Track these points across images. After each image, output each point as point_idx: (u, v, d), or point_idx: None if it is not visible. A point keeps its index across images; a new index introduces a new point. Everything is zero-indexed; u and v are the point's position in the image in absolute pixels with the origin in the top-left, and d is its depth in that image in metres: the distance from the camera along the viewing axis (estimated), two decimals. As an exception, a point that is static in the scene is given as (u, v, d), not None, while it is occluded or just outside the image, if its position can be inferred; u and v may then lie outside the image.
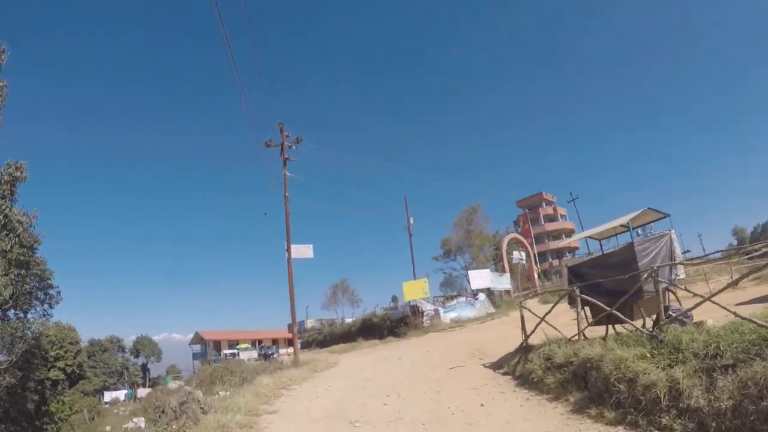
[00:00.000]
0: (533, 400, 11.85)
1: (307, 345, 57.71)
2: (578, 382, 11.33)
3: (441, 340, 29.05)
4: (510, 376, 15.14)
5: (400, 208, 58.23)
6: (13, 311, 34.43)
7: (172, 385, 69.40)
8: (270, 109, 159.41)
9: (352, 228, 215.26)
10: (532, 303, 45.46)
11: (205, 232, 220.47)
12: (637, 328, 12.47)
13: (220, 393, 19.18)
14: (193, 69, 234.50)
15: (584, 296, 14.24)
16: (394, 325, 42.33)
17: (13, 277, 30.16)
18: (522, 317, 17.79)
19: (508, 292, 49.28)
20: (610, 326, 15.05)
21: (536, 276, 56.33)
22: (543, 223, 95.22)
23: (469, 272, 46.06)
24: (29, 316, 35.40)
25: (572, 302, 15.72)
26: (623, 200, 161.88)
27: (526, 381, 13.65)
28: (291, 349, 66.72)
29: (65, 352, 79.02)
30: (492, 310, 42.49)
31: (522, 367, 14.81)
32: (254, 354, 63.65)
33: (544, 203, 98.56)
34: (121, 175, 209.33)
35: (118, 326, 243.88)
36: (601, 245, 19.71)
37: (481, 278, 45.61)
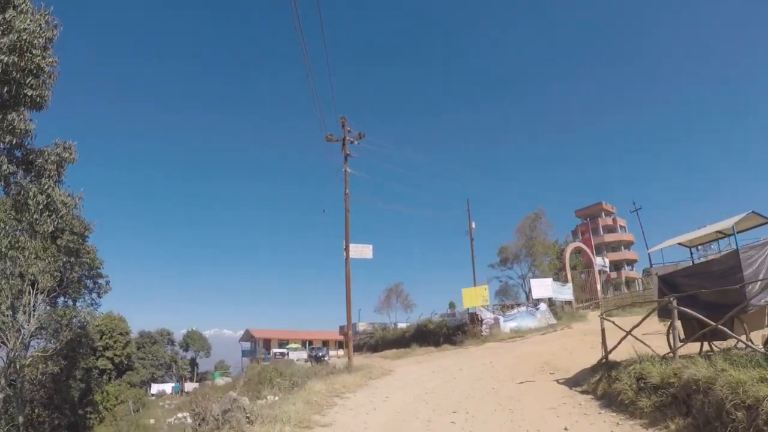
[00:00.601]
0: (625, 425, 10.22)
1: (358, 348, 56.25)
2: (679, 406, 9.65)
3: (502, 351, 27.39)
4: (590, 396, 13.45)
5: (461, 210, 56.19)
6: (62, 299, 34.13)
7: (220, 381, 69.48)
8: (333, 100, 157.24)
9: (409, 229, 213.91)
10: (594, 315, 43.95)
11: (260, 226, 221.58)
12: (750, 346, 10.80)
13: (268, 398, 17.96)
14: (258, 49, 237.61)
15: (683, 308, 12.48)
16: (450, 332, 40.89)
17: (61, 264, 29.71)
18: (603, 330, 16.05)
19: (569, 303, 47.16)
20: (705, 343, 13.44)
21: (599, 287, 53.92)
22: (602, 233, 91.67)
23: (531, 281, 44.19)
24: (78, 304, 34.87)
25: (664, 315, 14.08)
26: (690, 210, 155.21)
27: (612, 402, 12.00)
28: (341, 352, 66.39)
29: (114, 342, 79.78)
30: (553, 321, 40.59)
31: (606, 386, 13.17)
32: (304, 354, 62.80)
33: (603, 213, 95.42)
34: (178, 161, 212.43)
35: (170, 320, 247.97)
36: (691, 254, 17.89)
37: (543, 287, 43.72)
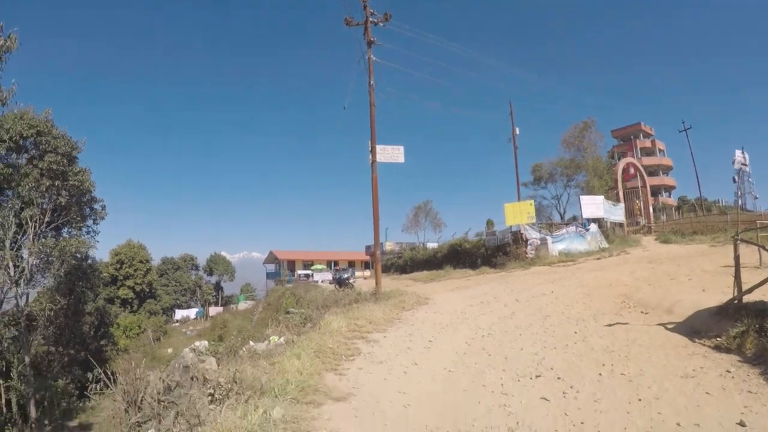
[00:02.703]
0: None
1: (385, 269, 53.39)
2: None
3: (558, 277, 22.95)
4: (735, 356, 8.90)
5: (501, 114, 50.83)
6: (66, 229, 30.97)
7: (243, 305, 67.19)
8: None
9: (439, 141, 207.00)
10: (648, 240, 39.73)
11: (282, 144, 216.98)
12: None
13: (272, 339, 13.78)
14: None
15: None
16: (490, 253, 36.55)
17: (44, 189, 26.24)
18: (737, 258, 11.48)
19: (621, 225, 42.42)
20: None
21: (651, 210, 48.93)
22: (639, 156, 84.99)
23: (582, 197, 39.05)
24: (72, 234, 31.48)
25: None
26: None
27: (778, 369, 7.76)
28: (368, 272, 62.91)
29: (135, 270, 78.92)
30: (605, 244, 36.04)
31: (758, 343, 8.79)
32: (329, 276, 59.68)
33: (641, 135, 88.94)
34: (193, 73, 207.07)
35: (196, 246, 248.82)
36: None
37: (594, 205, 38.77)
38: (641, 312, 13.78)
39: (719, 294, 12.95)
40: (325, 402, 7.37)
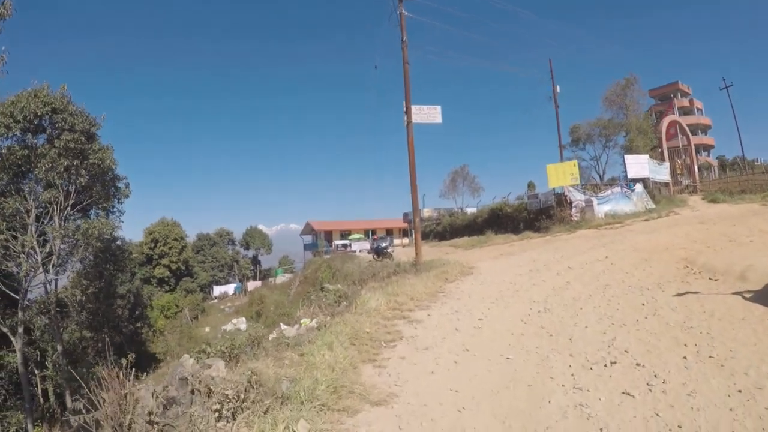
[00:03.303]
0: None
1: (424, 237, 52.41)
2: None
3: (608, 240, 21.48)
4: None
5: (542, 70, 48.81)
6: (93, 210, 30.33)
7: (281, 278, 66.64)
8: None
9: (476, 101, 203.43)
10: (695, 200, 38.03)
11: (316, 112, 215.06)
12: None
13: (303, 322, 12.70)
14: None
15: None
16: (532, 217, 35.19)
17: (62, 170, 25.37)
18: None
19: (666, 185, 40.68)
20: None
21: (696, 169, 46.93)
22: (677, 116, 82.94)
23: (626, 157, 37.28)
24: (97, 216, 30.80)
25: None
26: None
27: None
28: (406, 240, 61.99)
29: (170, 249, 79.13)
30: (651, 205, 34.43)
31: None
32: (367, 245, 58.81)
33: (679, 94, 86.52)
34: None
35: (232, 220, 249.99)
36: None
37: (639, 165, 37.04)
38: (709, 279, 12.42)
39: None
40: (362, 407, 6.29)
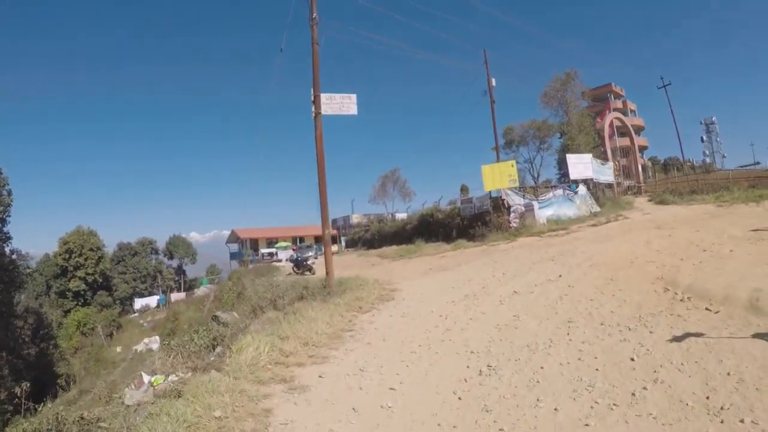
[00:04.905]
0: None
1: (352, 244, 51.84)
2: None
3: (556, 252, 18.31)
4: None
5: (477, 64, 46.06)
6: None
7: (204, 290, 62.40)
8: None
9: (405, 100, 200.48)
10: (642, 202, 35.74)
11: (237, 119, 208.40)
12: None
13: (155, 380, 8.87)
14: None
15: None
16: (466, 224, 31.89)
17: None
18: None
19: (610, 186, 38.45)
20: None
21: (640, 169, 44.83)
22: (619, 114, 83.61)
23: (569, 156, 34.50)
24: None
25: None
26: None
27: None
28: (335, 248, 58.29)
29: (85, 259, 74.18)
30: (596, 208, 32.07)
31: None
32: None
33: (612, 96, 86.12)
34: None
35: (161, 229, 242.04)
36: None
37: (582, 165, 34.55)
38: (706, 309, 9.24)
39: None
40: None
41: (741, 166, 48.44)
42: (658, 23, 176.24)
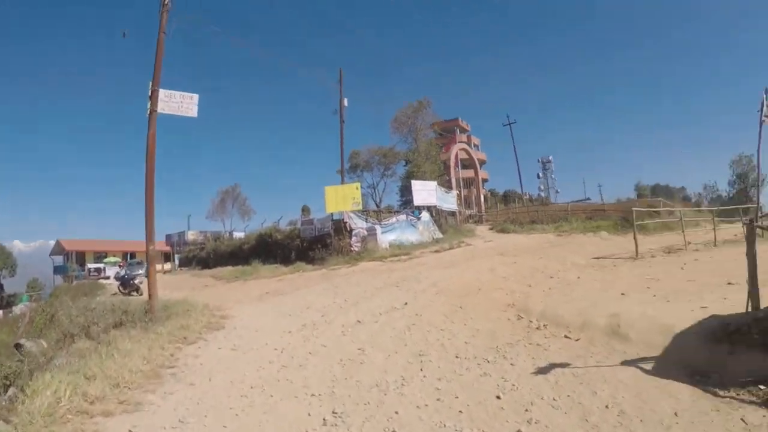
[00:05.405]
0: None
1: (187, 262, 48.45)
2: None
3: (397, 277, 17.62)
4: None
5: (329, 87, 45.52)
6: None
7: (21, 308, 56.16)
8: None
9: (253, 116, 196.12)
10: (483, 230, 36.41)
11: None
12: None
13: None
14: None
15: None
16: (306, 246, 30.60)
17: None
18: (752, 256, 7.40)
19: (453, 214, 38.92)
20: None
21: (482, 199, 45.84)
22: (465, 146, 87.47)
23: (414, 183, 34.41)
24: None
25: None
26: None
27: None
28: (168, 265, 55.18)
29: None
30: (439, 235, 31.99)
31: None
32: (123, 271, 51.48)
33: (458, 130, 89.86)
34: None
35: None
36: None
37: (426, 192, 34.53)
38: (565, 336, 8.83)
39: (654, 299, 10.17)
40: None
41: (574, 201, 51.33)
42: (508, 69, 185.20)
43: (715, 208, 31.02)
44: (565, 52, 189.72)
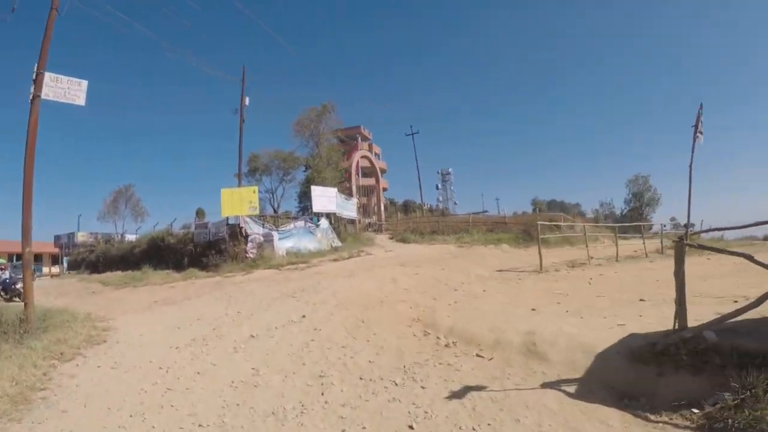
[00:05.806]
0: None
1: (75, 266, 44.42)
2: None
3: (295, 287, 16.69)
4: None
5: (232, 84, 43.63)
6: None
7: None
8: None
9: (147, 107, 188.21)
10: (383, 239, 35.92)
11: None
12: None
13: None
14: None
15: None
16: (200, 251, 29.06)
17: None
18: (680, 274, 7.08)
19: (353, 222, 38.59)
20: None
21: (383, 208, 45.36)
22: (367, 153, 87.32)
23: (313, 188, 33.36)
24: None
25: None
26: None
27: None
28: (56, 269, 51.99)
29: None
30: (338, 243, 31.36)
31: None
32: (6, 275, 47.56)
33: (360, 137, 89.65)
34: None
35: None
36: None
37: (326, 198, 33.88)
38: (477, 355, 8.34)
39: (567, 315, 9.89)
40: None
41: (473, 213, 52.09)
42: (411, 79, 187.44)
43: (618, 225, 32.00)
44: (468, 63, 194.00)
